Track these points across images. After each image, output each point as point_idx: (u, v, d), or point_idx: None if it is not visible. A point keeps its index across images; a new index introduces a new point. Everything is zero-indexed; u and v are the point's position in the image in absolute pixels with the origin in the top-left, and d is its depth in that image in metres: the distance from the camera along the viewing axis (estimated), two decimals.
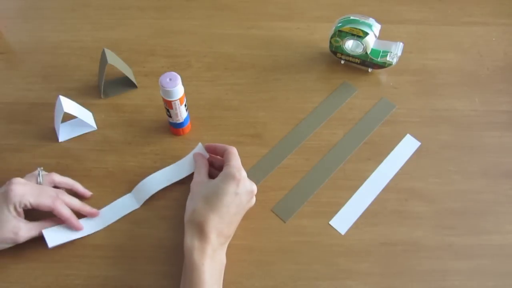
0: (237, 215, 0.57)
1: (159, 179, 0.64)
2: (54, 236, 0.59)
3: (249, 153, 0.68)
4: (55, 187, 0.61)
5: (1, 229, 0.55)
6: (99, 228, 0.61)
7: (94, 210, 0.62)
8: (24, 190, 0.56)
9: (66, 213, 0.58)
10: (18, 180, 0.57)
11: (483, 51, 0.81)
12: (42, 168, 0.61)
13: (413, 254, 0.60)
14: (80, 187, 0.63)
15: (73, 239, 0.60)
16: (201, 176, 0.61)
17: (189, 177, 0.64)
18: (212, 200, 0.55)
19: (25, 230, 0.57)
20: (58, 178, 0.62)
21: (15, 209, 0.56)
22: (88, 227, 0.61)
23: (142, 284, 0.58)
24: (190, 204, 0.57)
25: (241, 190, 0.56)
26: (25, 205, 0.56)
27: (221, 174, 0.58)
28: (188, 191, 0.60)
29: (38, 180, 0.60)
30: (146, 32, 0.83)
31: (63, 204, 0.58)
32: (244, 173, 0.58)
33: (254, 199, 0.60)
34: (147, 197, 0.63)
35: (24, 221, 0.58)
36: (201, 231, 0.54)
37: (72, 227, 0.60)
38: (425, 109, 0.74)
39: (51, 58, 0.79)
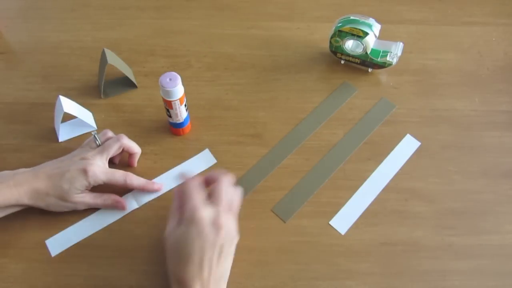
0: (215, 252, 0.51)
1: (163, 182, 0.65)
2: (57, 244, 0.60)
3: (249, 153, 0.68)
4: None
5: (71, 190, 0.58)
6: (97, 229, 0.61)
7: (159, 184, 0.64)
8: (100, 172, 0.59)
9: (140, 182, 0.62)
10: (96, 162, 0.59)
11: (483, 51, 0.81)
12: (95, 131, 0.65)
13: (413, 254, 0.60)
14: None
15: (74, 243, 0.60)
16: (170, 224, 0.54)
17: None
18: (180, 252, 0.50)
19: (88, 198, 0.61)
20: (110, 133, 0.65)
21: (87, 186, 0.59)
22: (86, 228, 0.61)
23: (142, 284, 0.58)
24: (168, 263, 0.53)
25: (204, 228, 0.50)
26: (98, 184, 0.60)
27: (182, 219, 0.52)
28: None
29: (97, 143, 0.62)
30: (146, 32, 0.83)
31: (134, 176, 0.62)
32: (208, 209, 0.51)
33: (229, 220, 0.53)
34: (148, 200, 0.64)
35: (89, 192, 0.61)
36: None
37: (152, 191, 0.64)
38: (425, 109, 0.74)
39: (51, 58, 0.79)
